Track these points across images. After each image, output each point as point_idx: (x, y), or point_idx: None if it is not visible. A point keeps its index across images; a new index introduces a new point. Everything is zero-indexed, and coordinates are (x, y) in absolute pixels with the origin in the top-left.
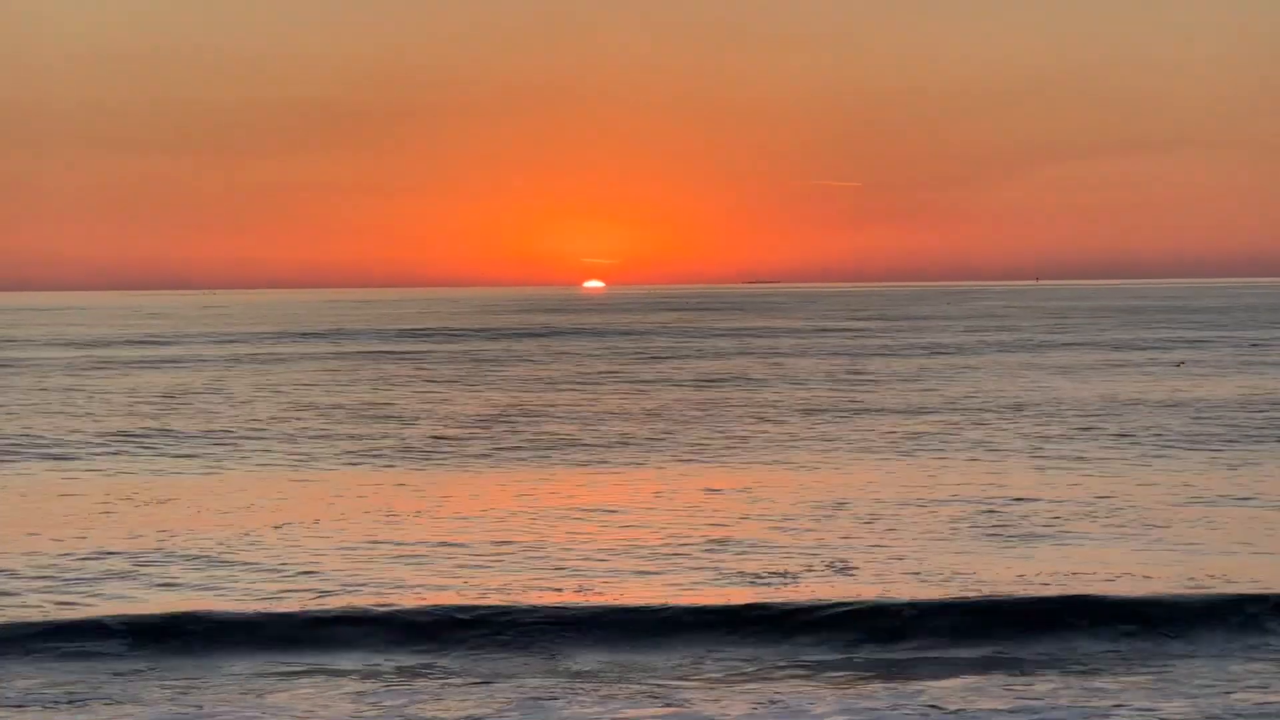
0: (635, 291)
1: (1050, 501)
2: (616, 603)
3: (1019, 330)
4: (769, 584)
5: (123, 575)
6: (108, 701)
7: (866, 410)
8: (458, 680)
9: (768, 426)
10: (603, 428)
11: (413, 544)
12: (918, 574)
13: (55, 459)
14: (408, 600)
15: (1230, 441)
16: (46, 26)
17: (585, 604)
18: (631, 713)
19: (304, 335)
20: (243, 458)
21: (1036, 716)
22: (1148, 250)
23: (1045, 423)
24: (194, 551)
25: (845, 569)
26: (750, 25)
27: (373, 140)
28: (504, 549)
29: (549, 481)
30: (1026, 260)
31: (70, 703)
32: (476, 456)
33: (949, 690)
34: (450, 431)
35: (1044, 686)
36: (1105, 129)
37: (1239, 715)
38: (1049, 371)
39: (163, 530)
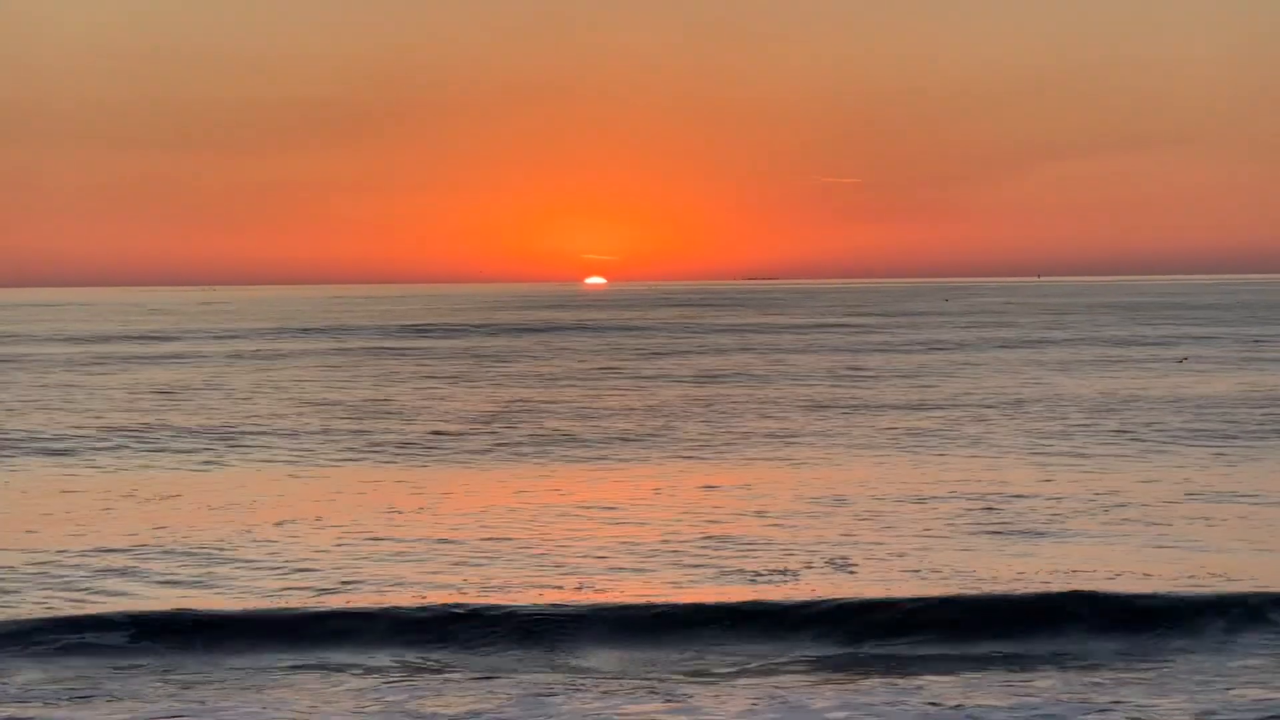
0: (636, 288)
1: (1050, 498)
2: (617, 599)
3: (1019, 326)
4: (769, 581)
5: (124, 571)
6: (109, 697)
7: (866, 406)
8: (459, 676)
9: (768, 423)
10: (603, 424)
11: (413, 540)
12: (917, 571)
13: (56, 455)
14: (408, 597)
15: (1231, 438)
16: (48, 25)
17: (585, 600)
18: (632, 708)
19: (305, 331)
20: (244, 454)
21: (1036, 713)
22: (1148, 247)
23: (1045, 419)
24: (195, 548)
25: (845, 565)
26: (751, 23)
27: (374, 138)
28: (504, 545)
29: (549, 478)
30: (1027, 257)
31: (72, 698)
32: (477, 453)
33: (948, 686)
34: (451, 427)
35: (1043, 683)
36: (1105, 127)
37: (1238, 712)
38: (1049, 368)
39: (164, 526)
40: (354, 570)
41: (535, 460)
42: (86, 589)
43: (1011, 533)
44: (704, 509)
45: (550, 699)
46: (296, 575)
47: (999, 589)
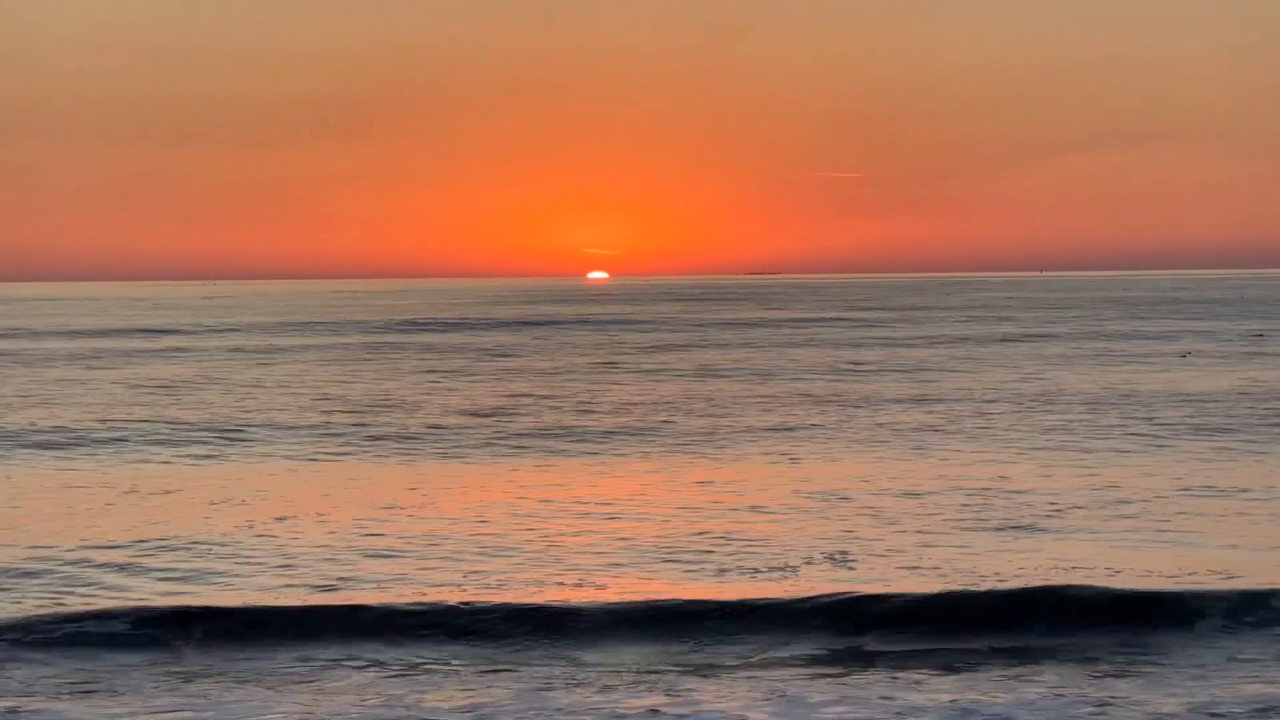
0: (638, 283)
1: (1050, 493)
2: (617, 594)
3: (1020, 321)
4: (769, 576)
5: (125, 566)
6: (112, 693)
7: (867, 401)
8: (459, 671)
9: (769, 417)
10: (604, 418)
11: (413, 535)
12: (917, 566)
13: (56, 449)
14: (408, 591)
15: (1232, 432)
16: (48, 22)
17: (586, 596)
18: (633, 702)
19: (306, 325)
20: (245, 448)
21: (1034, 707)
22: (1149, 243)
23: (1046, 414)
24: (196, 542)
25: (845, 561)
26: (752, 19)
27: (375, 134)
28: (505, 541)
29: (550, 473)
30: (1028, 253)
31: (73, 693)
32: (478, 447)
33: (947, 681)
34: (451, 422)
35: (1043, 678)
36: (1106, 123)
37: (1238, 708)
38: (1050, 362)
39: (165, 522)
40: (354, 565)
41: (536, 455)
42: (87, 583)
43: (1011, 528)
44: (704, 504)
45: (550, 693)
46: (297, 570)
47: (998, 584)
